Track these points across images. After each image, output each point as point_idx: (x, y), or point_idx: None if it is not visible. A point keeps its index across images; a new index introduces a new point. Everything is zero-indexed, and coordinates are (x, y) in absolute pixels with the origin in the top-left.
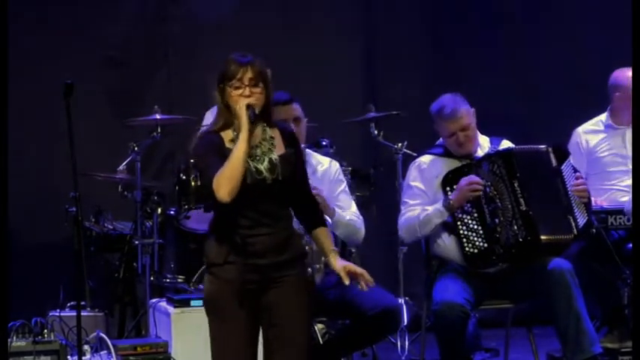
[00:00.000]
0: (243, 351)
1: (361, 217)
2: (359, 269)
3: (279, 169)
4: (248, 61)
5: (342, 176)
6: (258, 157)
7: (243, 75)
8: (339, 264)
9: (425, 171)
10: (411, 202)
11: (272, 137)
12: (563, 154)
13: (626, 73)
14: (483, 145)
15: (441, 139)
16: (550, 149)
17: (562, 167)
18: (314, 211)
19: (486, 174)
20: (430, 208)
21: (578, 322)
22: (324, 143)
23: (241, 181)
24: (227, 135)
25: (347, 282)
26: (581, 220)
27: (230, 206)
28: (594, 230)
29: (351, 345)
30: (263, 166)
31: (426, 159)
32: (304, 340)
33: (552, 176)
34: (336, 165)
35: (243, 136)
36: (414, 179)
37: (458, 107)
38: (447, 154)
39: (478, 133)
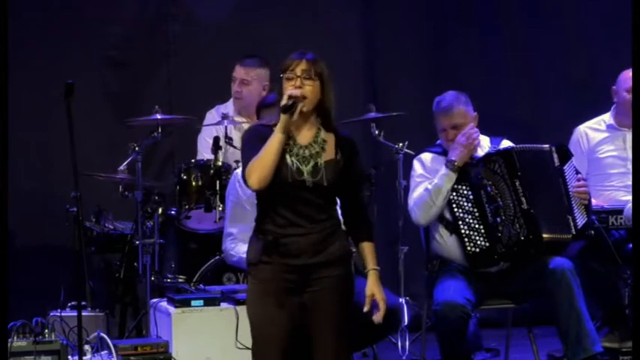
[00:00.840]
0: (283, 348)
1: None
2: (382, 304)
3: (322, 174)
4: (304, 55)
5: None
6: (304, 158)
7: (296, 66)
8: (371, 287)
9: (427, 168)
10: (419, 181)
11: (324, 140)
12: (566, 155)
13: (626, 71)
14: (484, 145)
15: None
16: (553, 149)
17: (564, 167)
18: (361, 224)
19: (487, 173)
20: (436, 178)
21: (580, 322)
22: None
23: (278, 177)
24: None
25: (366, 309)
26: (580, 220)
27: (268, 204)
28: (593, 232)
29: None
30: (306, 168)
31: (426, 156)
32: (341, 342)
33: (554, 176)
34: None
35: (279, 125)
36: (418, 170)
37: (455, 104)
38: (446, 152)
39: (479, 133)
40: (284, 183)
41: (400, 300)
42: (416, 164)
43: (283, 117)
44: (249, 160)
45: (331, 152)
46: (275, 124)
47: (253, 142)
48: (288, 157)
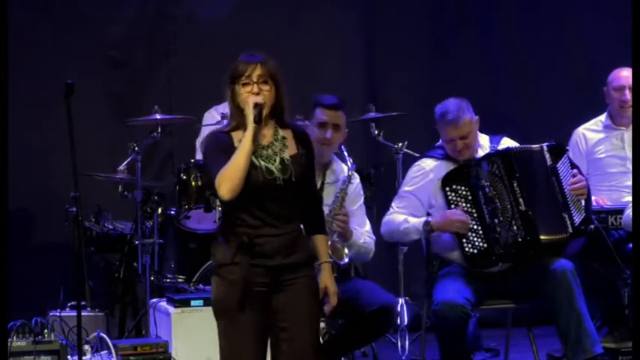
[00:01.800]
0: (253, 352)
1: (374, 237)
2: (333, 298)
3: (291, 170)
4: (257, 59)
5: (361, 192)
6: (269, 157)
7: (252, 72)
8: (324, 279)
9: (423, 175)
10: (397, 205)
11: (284, 137)
12: (558, 152)
13: (615, 71)
14: (484, 144)
15: (441, 140)
16: (545, 148)
17: (557, 165)
18: (317, 217)
19: (486, 174)
20: (411, 222)
21: (580, 322)
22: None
23: (248, 180)
24: (237, 135)
25: (321, 297)
26: (577, 217)
27: (239, 206)
28: (592, 227)
29: (350, 344)
30: (274, 166)
31: (426, 163)
32: (312, 342)
33: (547, 175)
34: (357, 179)
35: (247, 134)
36: (407, 184)
37: (461, 115)
38: (447, 157)
39: (478, 134)
40: (255, 185)
41: (399, 300)
42: (409, 173)
43: (253, 127)
44: (215, 170)
45: (292, 147)
46: (231, 131)
47: (216, 151)
48: (254, 158)
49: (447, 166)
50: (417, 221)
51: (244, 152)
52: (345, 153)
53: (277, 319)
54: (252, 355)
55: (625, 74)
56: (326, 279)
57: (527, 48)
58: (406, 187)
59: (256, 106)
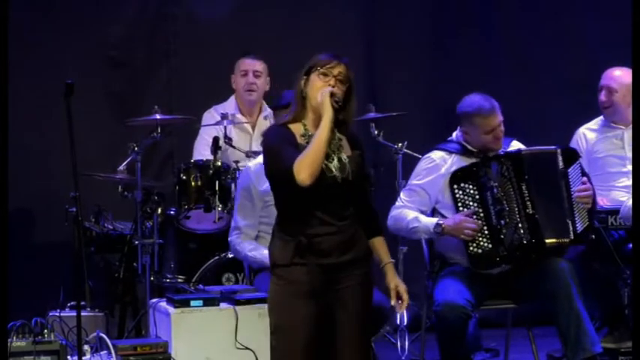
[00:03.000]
0: (308, 350)
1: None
2: (405, 295)
3: (349, 169)
4: (341, 59)
5: None
6: (327, 156)
7: (335, 67)
8: (392, 280)
9: (434, 167)
10: (406, 198)
11: (340, 139)
12: (572, 157)
13: (609, 73)
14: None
15: (455, 134)
16: (559, 151)
17: (569, 170)
18: (374, 218)
19: (495, 175)
20: (423, 221)
21: (579, 322)
22: None
23: (320, 170)
24: (297, 128)
25: (393, 302)
26: (580, 225)
27: (296, 204)
28: (594, 236)
29: None
30: (333, 165)
31: (438, 156)
32: (365, 339)
33: (558, 179)
34: None
35: (326, 121)
36: (417, 176)
37: (494, 104)
38: (463, 151)
39: None
40: (314, 184)
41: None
42: (420, 165)
43: (331, 115)
44: (287, 159)
45: (347, 148)
46: (287, 123)
47: (282, 141)
48: None
49: (458, 161)
50: (428, 222)
51: (324, 139)
52: None
53: (331, 316)
54: (307, 353)
55: (612, 74)
56: (394, 279)
57: (527, 48)
58: (416, 181)
59: (332, 95)
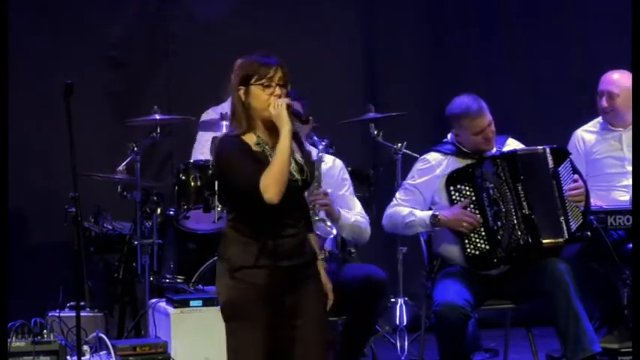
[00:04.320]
0: (267, 353)
1: (367, 217)
2: (330, 295)
3: (306, 170)
4: (276, 62)
5: (346, 175)
6: None
7: (275, 74)
8: (322, 277)
9: (429, 169)
10: (401, 197)
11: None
12: (562, 155)
13: (608, 77)
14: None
15: (449, 136)
16: (548, 150)
17: (559, 169)
18: (306, 215)
19: (490, 176)
20: (418, 215)
21: (578, 322)
22: (323, 143)
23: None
24: (250, 138)
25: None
26: (574, 223)
27: (258, 210)
28: (589, 233)
29: (360, 330)
30: (292, 168)
31: (433, 157)
32: (325, 339)
33: (548, 178)
34: (340, 163)
35: (286, 135)
36: (412, 177)
37: (482, 104)
38: (457, 152)
39: None
40: None
41: (398, 300)
42: (416, 166)
43: (290, 128)
44: (250, 175)
45: (296, 148)
46: (242, 134)
47: (240, 156)
48: None
49: (453, 163)
50: (423, 214)
51: (286, 154)
52: (315, 138)
53: (289, 319)
54: (266, 356)
55: (612, 78)
56: (322, 277)
57: (526, 48)
58: (411, 181)
59: (287, 107)
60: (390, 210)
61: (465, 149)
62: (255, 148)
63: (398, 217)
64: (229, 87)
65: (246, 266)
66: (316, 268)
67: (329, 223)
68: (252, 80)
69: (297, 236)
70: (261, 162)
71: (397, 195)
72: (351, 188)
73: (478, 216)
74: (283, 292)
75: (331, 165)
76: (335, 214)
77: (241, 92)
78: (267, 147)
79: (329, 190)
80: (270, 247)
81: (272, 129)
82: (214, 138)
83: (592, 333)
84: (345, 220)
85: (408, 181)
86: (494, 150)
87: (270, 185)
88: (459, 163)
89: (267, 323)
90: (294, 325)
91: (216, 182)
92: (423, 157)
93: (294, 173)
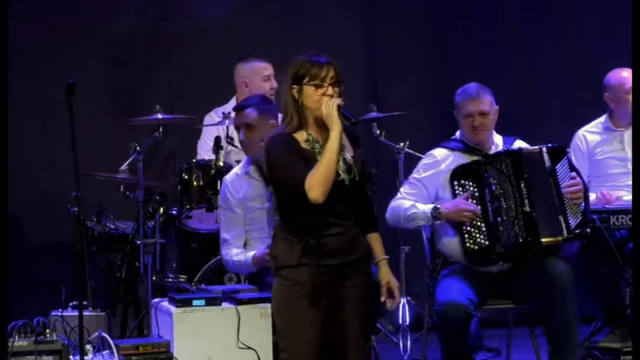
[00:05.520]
0: (318, 349)
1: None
2: (397, 292)
3: (354, 170)
4: (329, 61)
5: None
6: None
7: (327, 74)
8: (385, 276)
9: (434, 164)
10: (405, 191)
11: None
12: (558, 154)
13: (614, 74)
14: (498, 143)
15: (458, 133)
16: (544, 150)
17: (556, 167)
18: (371, 215)
19: (494, 172)
20: (420, 208)
21: (568, 325)
22: None
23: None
24: (300, 136)
25: (383, 298)
26: (573, 221)
27: (305, 209)
28: (589, 230)
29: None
30: (340, 168)
31: (439, 153)
32: (364, 335)
33: (546, 177)
34: None
35: (336, 135)
36: (418, 171)
37: (482, 92)
38: (464, 149)
39: (494, 132)
40: None
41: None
42: (422, 161)
43: (340, 127)
44: (297, 174)
45: (349, 147)
46: (292, 132)
47: (290, 154)
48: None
49: (460, 158)
50: (425, 207)
51: (335, 155)
52: None
53: (334, 315)
54: (318, 352)
55: (622, 74)
56: (387, 276)
57: (528, 46)
58: (416, 175)
59: (339, 108)
60: (393, 203)
61: (472, 145)
62: (304, 145)
63: (400, 210)
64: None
65: (290, 265)
66: (367, 267)
67: None
68: (305, 80)
69: (344, 235)
70: (309, 160)
71: (402, 189)
72: None
73: (478, 207)
74: (328, 290)
75: None
76: None
77: (294, 91)
78: (316, 144)
79: None
80: (313, 245)
81: (323, 127)
82: (217, 138)
83: (578, 339)
84: None
85: (414, 175)
86: (500, 147)
87: (315, 185)
88: (465, 159)
89: (312, 321)
90: (338, 321)
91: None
92: (429, 152)
93: (341, 173)
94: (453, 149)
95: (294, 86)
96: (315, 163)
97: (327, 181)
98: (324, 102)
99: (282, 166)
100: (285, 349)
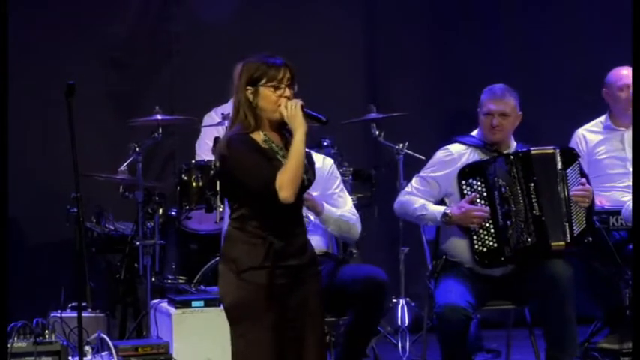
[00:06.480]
0: (278, 352)
1: (357, 215)
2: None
3: (309, 169)
4: (285, 63)
5: (336, 173)
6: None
7: (284, 76)
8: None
9: (451, 162)
10: (417, 186)
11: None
12: (571, 158)
13: (614, 70)
14: (511, 147)
15: (476, 131)
16: (557, 151)
17: (567, 171)
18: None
19: (504, 174)
20: (430, 208)
21: (567, 325)
22: (325, 144)
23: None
24: (257, 136)
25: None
26: (576, 228)
27: (265, 208)
28: (590, 239)
29: (361, 330)
30: None
31: (455, 149)
32: (321, 336)
33: (556, 180)
34: (329, 162)
35: (301, 136)
36: (432, 167)
37: (507, 94)
38: (481, 146)
39: (512, 137)
40: None
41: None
42: (435, 157)
43: (305, 127)
44: (264, 175)
45: None
46: (248, 132)
47: (251, 154)
48: (282, 160)
49: (476, 156)
50: (435, 210)
51: (301, 154)
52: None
53: (292, 318)
54: (276, 355)
55: (622, 73)
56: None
57: (529, 47)
58: (431, 172)
59: (302, 108)
60: (403, 197)
61: (487, 143)
62: (263, 145)
63: (410, 208)
64: (233, 87)
65: (254, 267)
66: (318, 267)
67: (312, 217)
68: (262, 82)
69: (301, 235)
70: (271, 159)
71: (413, 183)
72: (342, 186)
73: (487, 208)
74: (289, 292)
75: (321, 165)
76: (318, 207)
77: (249, 92)
78: (273, 145)
79: (324, 196)
80: (277, 246)
81: (277, 129)
82: (216, 138)
83: (576, 341)
84: (329, 213)
85: (428, 170)
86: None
87: (286, 184)
88: (481, 157)
89: (275, 324)
90: (295, 324)
91: (218, 182)
92: (445, 147)
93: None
94: (469, 145)
95: (249, 87)
96: (276, 162)
97: (296, 180)
98: (283, 103)
99: (246, 167)
100: (244, 351)
